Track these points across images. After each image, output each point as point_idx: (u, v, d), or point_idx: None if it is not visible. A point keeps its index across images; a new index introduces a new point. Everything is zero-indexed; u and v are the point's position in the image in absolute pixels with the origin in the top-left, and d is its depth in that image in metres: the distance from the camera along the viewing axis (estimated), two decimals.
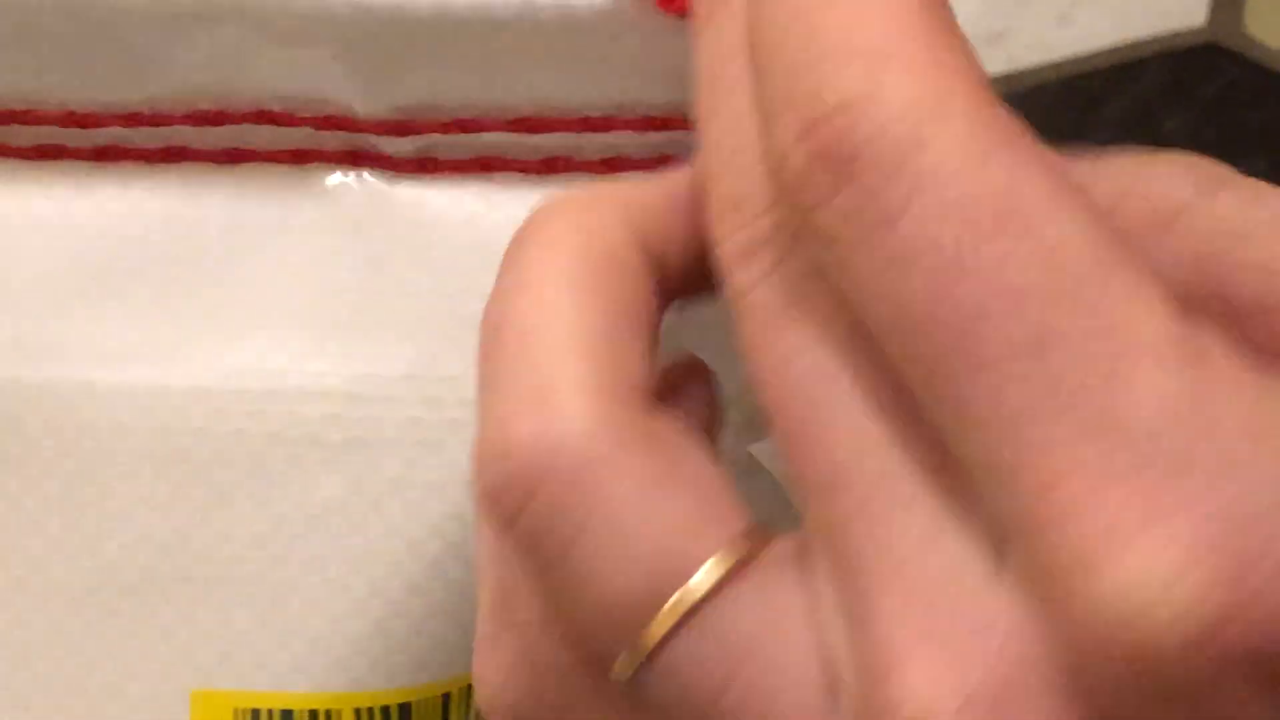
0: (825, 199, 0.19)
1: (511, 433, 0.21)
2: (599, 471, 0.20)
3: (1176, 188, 0.22)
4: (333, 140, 0.28)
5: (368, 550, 0.28)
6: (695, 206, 0.23)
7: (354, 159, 0.29)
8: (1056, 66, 0.69)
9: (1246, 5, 0.66)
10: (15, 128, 0.29)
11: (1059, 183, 0.19)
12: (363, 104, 0.28)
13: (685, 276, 0.23)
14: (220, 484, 0.29)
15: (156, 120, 0.28)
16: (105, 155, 0.29)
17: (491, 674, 0.23)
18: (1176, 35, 0.66)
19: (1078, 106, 0.67)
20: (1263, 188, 0.22)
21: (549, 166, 0.28)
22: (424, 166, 0.28)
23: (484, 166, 0.28)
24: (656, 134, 0.28)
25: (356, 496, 0.29)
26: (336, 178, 0.29)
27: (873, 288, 0.19)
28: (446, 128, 0.28)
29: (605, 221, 0.22)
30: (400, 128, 0.28)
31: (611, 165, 0.28)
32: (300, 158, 0.29)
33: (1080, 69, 0.69)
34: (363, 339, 0.28)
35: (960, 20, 0.20)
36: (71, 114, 0.28)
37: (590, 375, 0.21)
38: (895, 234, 0.19)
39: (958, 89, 0.19)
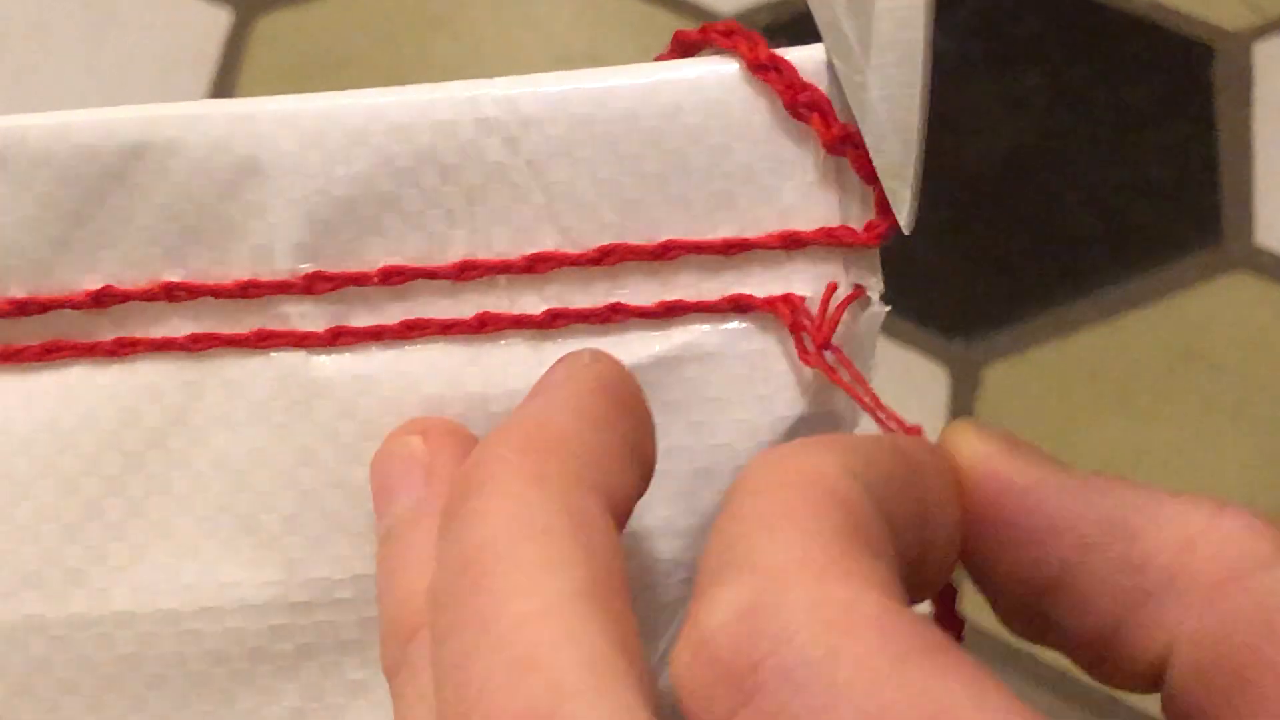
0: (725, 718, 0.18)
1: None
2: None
3: (1252, 547, 0.21)
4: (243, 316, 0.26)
5: None
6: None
7: (262, 337, 0.26)
8: None
9: None
10: None
11: (982, 687, 0.18)
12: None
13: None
14: (159, 711, 0.26)
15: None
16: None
17: None
18: None
19: None
20: None
21: (480, 324, 0.26)
22: (338, 336, 0.26)
23: (408, 329, 0.26)
24: None
25: (316, 704, 0.26)
26: (252, 359, 0.26)
27: None
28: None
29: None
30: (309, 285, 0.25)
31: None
32: (199, 341, 0.26)
33: None
34: (302, 542, 0.26)
35: None
36: None
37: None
38: None
39: (865, 598, 0.18)
